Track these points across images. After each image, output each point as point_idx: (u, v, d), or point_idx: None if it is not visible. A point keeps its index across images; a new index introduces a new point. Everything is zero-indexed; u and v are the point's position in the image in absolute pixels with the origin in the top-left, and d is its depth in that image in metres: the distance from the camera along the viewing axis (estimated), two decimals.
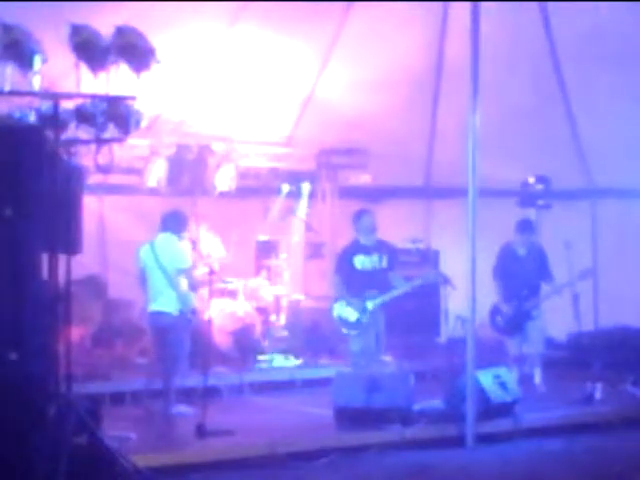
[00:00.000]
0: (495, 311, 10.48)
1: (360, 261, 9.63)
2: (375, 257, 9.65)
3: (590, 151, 12.42)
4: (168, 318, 9.20)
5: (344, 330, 9.70)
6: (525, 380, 10.11)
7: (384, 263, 9.66)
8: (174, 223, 9.32)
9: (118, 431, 7.78)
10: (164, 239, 9.30)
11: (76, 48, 6.60)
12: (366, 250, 9.67)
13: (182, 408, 9.02)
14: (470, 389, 8.45)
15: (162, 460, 7.47)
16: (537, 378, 10.32)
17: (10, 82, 6.48)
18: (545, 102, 11.80)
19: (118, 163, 8.53)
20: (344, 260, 9.72)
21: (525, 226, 10.56)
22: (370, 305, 9.54)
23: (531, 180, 11.81)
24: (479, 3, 8.41)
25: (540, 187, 11.78)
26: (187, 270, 9.28)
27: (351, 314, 9.57)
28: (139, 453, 7.25)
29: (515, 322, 10.32)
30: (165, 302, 9.18)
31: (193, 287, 9.37)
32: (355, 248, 9.74)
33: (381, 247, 9.74)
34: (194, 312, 9.32)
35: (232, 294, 11.49)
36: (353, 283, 9.64)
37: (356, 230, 9.81)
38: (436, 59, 11.84)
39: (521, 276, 10.38)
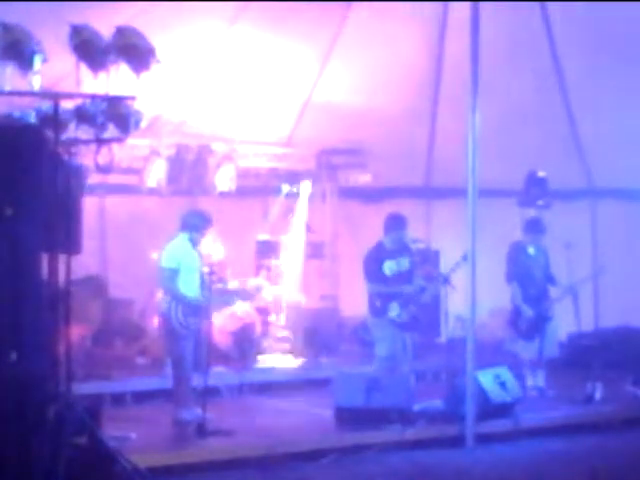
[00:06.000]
0: (516, 314, 10.23)
1: (388, 267, 9.38)
2: (401, 261, 9.43)
3: (590, 151, 12.43)
4: (160, 319, 9.23)
5: (394, 332, 9.37)
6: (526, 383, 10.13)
7: (408, 266, 9.48)
8: (185, 224, 9.08)
9: (118, 431, 7.79)
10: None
11: (76, 48, 6.60)
12: (392, 255, 9.42)
13: (185, 414, 8.80)
14: (470, 389, 8.45)
15: (162, 460, 7.48)
16: (541, 381, 10.22)
17: (10, 82, 6.48)
18: (545, 102, 11.81)
19: (118, 163, 8.54)
20: (373, 266, 9.42)
21: (537, 226, 10.44)
22: (423, 300, 9.43)
23: (541, 174, 11.66)
24: (479, 3, 8.41)
25: (539, 188, 11.74)
26: (162, 269, 8.94)
27: (407, 314, 9.34)
28: (139, 453, 7.24)
29: (537, 324, 10.13)
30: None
31: (164, 288, 8.98)
32: (381, 253, 9.45)
33: (404, 250, 9.51)
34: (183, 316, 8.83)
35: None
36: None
37: (387, 235, 9.49)
38: (436, 59, 11.84)
39: (536, 276, 10.28)
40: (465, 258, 8.83)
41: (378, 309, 9.43)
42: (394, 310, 9.36)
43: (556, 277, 10.38)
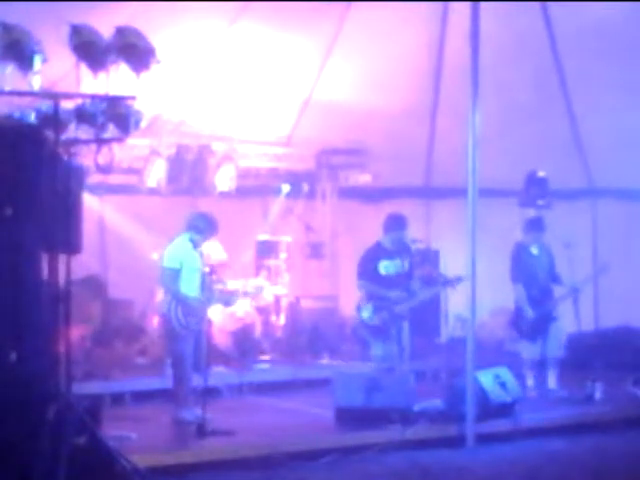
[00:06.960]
0: (519, 314, 10.20)
1: (385, 266, 9.40)
2: (398, 261, 9.43)
3: (590, 151, 12.44)
4: (160, 319, 9.24)
5: (366, 334, 9.51)
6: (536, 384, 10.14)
7: (406, 266, 9.49)
8: (188, 225, 9.09)
9: (118, 431, 7.79)
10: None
11: (76, 48, 6.60)
12: (389, 255, 9.44)
13: (185, 414, 8.81)
14: (470, 389, 8.45)
15: (162, 460, 7.47)
16: (552, 382, 10.16)
17: (10, 82, 6.48)
18: (546, 102, 11.81)
19: (118, 163, 8.55)
20: (368, 265, 9.45)
21: (538, 224, 10.41)
22: (398, 310, 9.39)
23: (541, 174, 11.65)
24: (479, 3, 8.41)
25: (539, 187, 11.73)
26: (164, 269, 8.95)
27: (378, 319, 9.39)
28: (139, 453, 7.24)
29: (539, 325, 10.09)
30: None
31: (165, 288, 9.02)
32: (378, 253, 9.48)
33: (403, 250, 9.51)
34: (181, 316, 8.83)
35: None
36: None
37: (386, 234, 9.52)
38: (436, 59, 11.84)
39: (539, 276, 10.24)
40: (454, 284, 8.90)
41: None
42: (366, 311, 9.38)
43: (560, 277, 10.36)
